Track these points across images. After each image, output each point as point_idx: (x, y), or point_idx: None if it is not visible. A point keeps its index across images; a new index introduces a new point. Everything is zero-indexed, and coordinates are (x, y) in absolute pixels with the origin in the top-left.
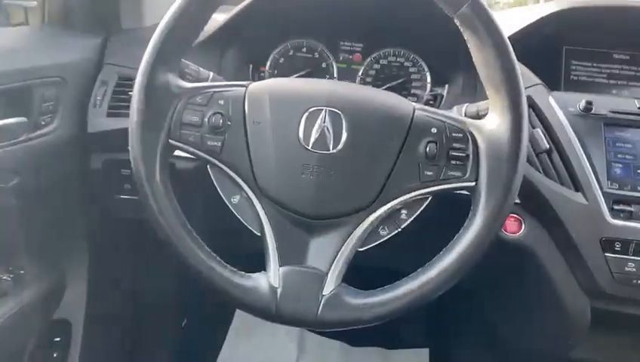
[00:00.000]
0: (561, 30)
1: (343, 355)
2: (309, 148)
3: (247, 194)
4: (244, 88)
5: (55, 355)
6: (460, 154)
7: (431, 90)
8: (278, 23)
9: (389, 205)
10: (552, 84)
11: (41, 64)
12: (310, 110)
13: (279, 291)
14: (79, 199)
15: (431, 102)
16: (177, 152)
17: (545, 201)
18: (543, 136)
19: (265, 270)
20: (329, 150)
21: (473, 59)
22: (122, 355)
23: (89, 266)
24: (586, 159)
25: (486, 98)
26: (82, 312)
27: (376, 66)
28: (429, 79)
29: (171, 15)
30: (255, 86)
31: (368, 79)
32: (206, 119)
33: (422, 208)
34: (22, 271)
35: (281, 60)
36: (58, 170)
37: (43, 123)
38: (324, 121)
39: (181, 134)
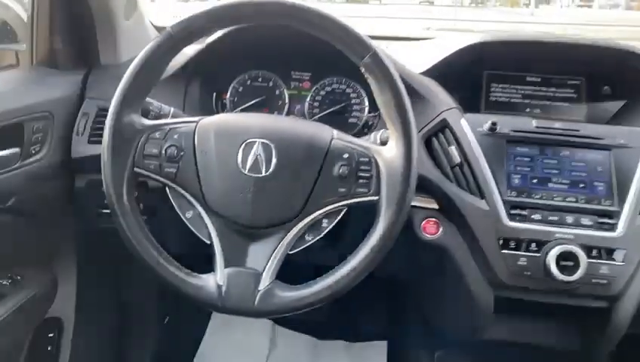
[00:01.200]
0: (482, 57)
1: (311, 348)
2: (246, 172)
3: (198, 210)
4: (195, 124)
5: (49, 348)
6: (366, 174)
7: (368, 114)
8: (237, 57)
9: (311, 216)
10: (474, 105)
11: (31, 102)
12: (247, 141)
13: (223, 288)
14: (67, 213)
15: (370, 123)
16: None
17: (457, 208)
18: (456, 152)
19: (213, 271)
20: (261, 173)
21: (376, 99)
22: (109, 350)
23: (77, 270)
24: (489, 171)
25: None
26: (72, 310)
27: (322, 93)
28: (366, 104)
29: (134, 66)
30: (204, 121)
31: (315, 104)
32: (163, 150)
33: (339, 217)
34: (19, 277)
35: (240, 89)
36: (48, 190)
37: (33, 151)
38: (258, 150)
39: (144, 163)
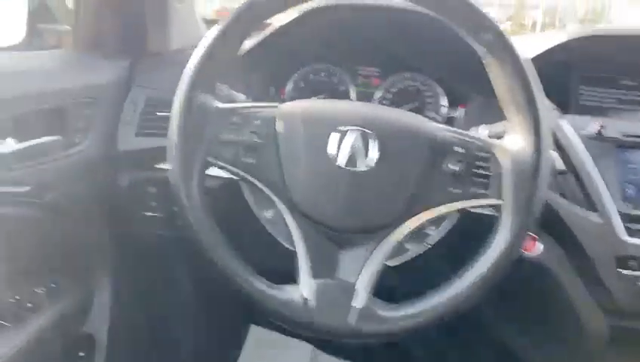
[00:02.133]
0: (573, 57)
1: None
2: (340, 166)
3: (279, 209)
4: (276, 108)
5: None
6: (485, 172)
7: (447, 113)
8: (300, 49)
9: (415, 220)
10: (563, 108)
11: (75, 85)
12: (343, 129)
13: (312, 303)
14: (103, 215)
15: (450, 122)
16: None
17: (561, 220)
18: (558, 157)
19: (295, 282)
20: (359, 168)
21: (493, 85)
22: None
23: (112, 280)
24: (600, 180)
25: (499, 120)
26: (106, 327)
27: (392, 90)
28: (443, 102)
29: (210, 38)
30: (286, 106)
31: (385, 102)
32: (241, 138)
33: (451, 226)
34: (53, 285)
35: (302, 84)
36: (88, 187)
37: (77, 141)
38: (356, 140)
39: (218, 152)
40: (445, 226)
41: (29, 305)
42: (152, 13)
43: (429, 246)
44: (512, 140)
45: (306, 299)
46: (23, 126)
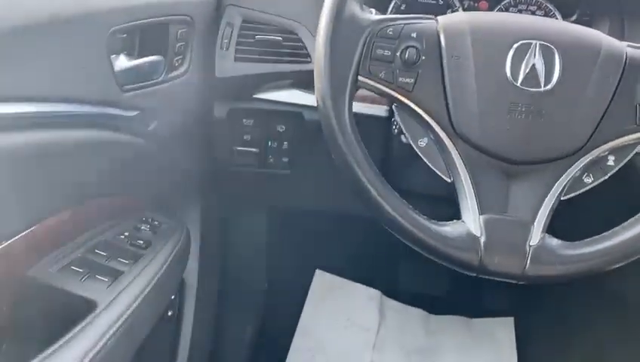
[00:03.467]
0: None
1: (425, 322)
2: (518, 84)
3: (438, 136)
4: (436, 21)
5: (170, 313)
6: None
7: None
8: None
9: (599, 149)
10: None
11: (172, 0)
12: (519, 43)
13: (482, 241)
14: (199, 148)
15: None
16: None
17: None
18: None
19: (460, 218)
20: (540, 87)
21: None
22: (212, 313)
23: (202, 219)
24: None
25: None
26: (196, 269)
27: (501, 10)
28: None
29: None
30: (449, 18)
31: None
32: (398, 53)
33: (631, 155)
34: (156, 223)
35: (403, 7)
36: (187, 117)
37: (176, 64)
38: (535, 56)
39: (371, 70)
40: (627, 154)
41: (140, 242)
42: None
43: (607, 177)
44: None
45: (474, 237)
46: (134, 40)
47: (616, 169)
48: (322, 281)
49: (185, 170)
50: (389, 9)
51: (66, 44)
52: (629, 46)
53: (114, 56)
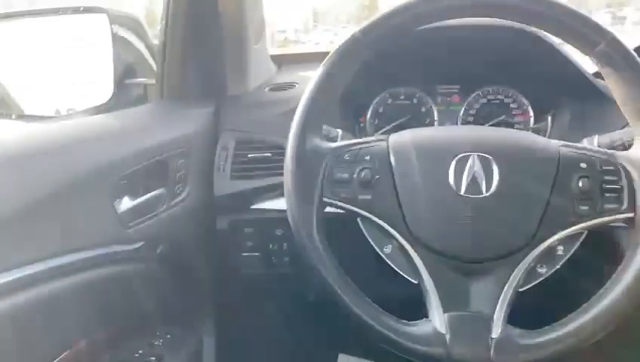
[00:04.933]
0: None
1: None
2: (462, 193)
3: (400, 243)
4: (386, 142)
5: None
6: (615, 186)
7: (534, 124)
8: (376, 74)
9: (546, 243)
10: None
11: (170, 138)
12: (459, 156)
13: (448, 337)
14: (206, 260)
15: (539, 133)
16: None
17: None
18: None
19: (426, 317)
20: (482, 194)
21: (614, 94)
22: None
23: (218, 323)
24: None
25: (600, 128)
26: None
27: (475, 106)
28: (531, 113)
29: (316, 81)
30: (396, 139)
31: (469, 119)
32: (355, 175)
33: (578, 243)
34: (169, 336)
35: (381, 109)
36: (191, 235)
37: (178, 191)
38: (474, 166)
39: (333, 191)
40: (574, 243)
41: (152, 358)
42: (233, 57)
43: (558, 267)
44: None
45: (440, 334)
46: (136, 182)
47: (566, 258)
48: None
49: (196, 283)
50: (369, 113)
51: (71, 203)
52: (562, 145)
53: (117, 200)
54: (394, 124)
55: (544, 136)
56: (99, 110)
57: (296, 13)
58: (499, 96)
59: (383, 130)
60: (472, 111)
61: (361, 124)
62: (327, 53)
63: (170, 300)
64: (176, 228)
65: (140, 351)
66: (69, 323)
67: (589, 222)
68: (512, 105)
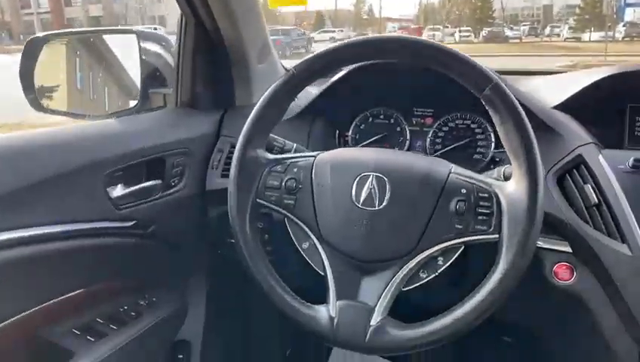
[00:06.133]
0: (625, 89)
1: None
2: (359, 205)
3: (313, 241)
4: (314, 158)
5: None
6: (485, 211)
7: (495, 149)
8: (358, 96)
9: (426, 253)
10: (616, 140)
11: (172, 140)
12: (361, 175)
13: (335, 320)
14: (200, 242)
15: (497, 159)
16: None
17: (593, 252)
18: (592, 191)
19: (326, 302)
20: (375, 207)
21: (498, 132)
22: None
23: (207, 296)
24: (631, 212)
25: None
26: (201, 334)
27: (444, 128)
28: (492, 139)
29: (259, 105)
30: (322, 156)
31: (437, 140)
32: (283, 183)
33: (455, 256)
34: (154, 299)
35: (362, 126)
36: (184, 220)
37: (173, 184)
38: (372, 184)
39: (265, 195)
40: (452, 255)
41: (133, 313)
42: (238, 74)
43: (437, 274)
44: (512, 182)
45: (331, 317)
46: (133, 174)
47: (444, 267)
48: (340, 351)
49: (187, 258)
50: (351, 128)
51: (69, 186)
52: (453, 173)
53: (112, 187)
54: (371, 140)
55: (501, 162)
56: (125, 114)
57: None
58: (466, 121)
59: (362, 144)
60: (440, 133)
61: (345, 139)
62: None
63: (158, 269)
64: (169, 213)
65: (125, 307)
66: (60, 277)
67: (462, 238)
68: (477, 130)
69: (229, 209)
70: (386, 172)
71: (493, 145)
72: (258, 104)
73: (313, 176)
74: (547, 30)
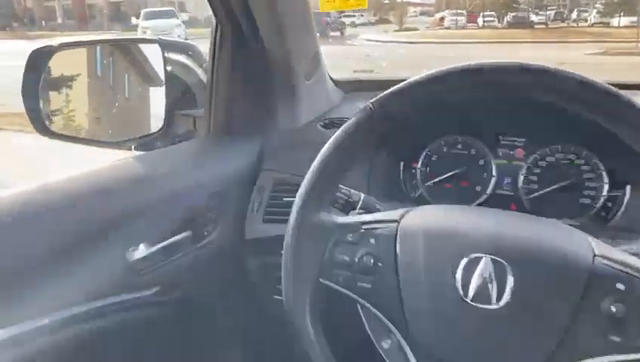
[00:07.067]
0: None
1: None
2: (468, 300)
3: (397, 340)
4: (397, 224)
5: None
6: None
7: (608, 192)
8: (432, 120)
9: None
10: None
11: (206, 178)
12: (471, 257)
13: None
14: (236, 298)
15: (609, 205)
16: None
17: None
18: None
19: None
20: (491, 305)
21: None
22: None
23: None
24: None
25: None
26: None
27: (541, 164)
28: (605, 179)
29: (324, 151)
30: (408, 221)
31: (533, 178)
32: (356, 259)
33: None
34: None
35: (434, 158)
36: (216, 275)
37: (205, 233)
38: (487, 271)
39: (332, 273)
40: None
41: None
42: (281, 94)
43: None
44: None
45: None
46: (157, 226)
47: None
48: None
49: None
50: (420, 160)
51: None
52: (598, 255)
53: (132, 248)
54: (446, 175)
55: (617, 209)
56: (150, 139)
57: None
58: (569, 156)
59: (434, 180)
60: (536, 170)
61: (412, 170)
62: (394, 81)
63: (192, 340)
64: (200, 268)
65: None
66: None
67: (619, 356)
68: (583, 168)
69: (284, 291)
70: (509, 255)
71: (606, 187)
72: (323, 151)
73: (398, 251)
74: (574, 14)
